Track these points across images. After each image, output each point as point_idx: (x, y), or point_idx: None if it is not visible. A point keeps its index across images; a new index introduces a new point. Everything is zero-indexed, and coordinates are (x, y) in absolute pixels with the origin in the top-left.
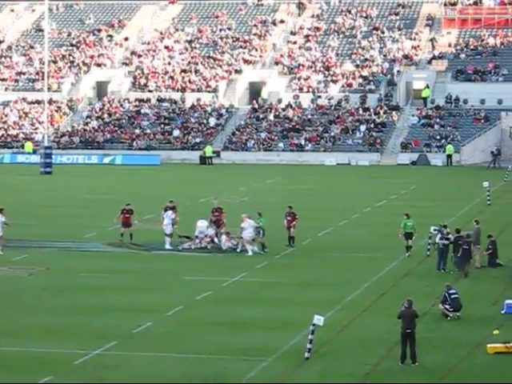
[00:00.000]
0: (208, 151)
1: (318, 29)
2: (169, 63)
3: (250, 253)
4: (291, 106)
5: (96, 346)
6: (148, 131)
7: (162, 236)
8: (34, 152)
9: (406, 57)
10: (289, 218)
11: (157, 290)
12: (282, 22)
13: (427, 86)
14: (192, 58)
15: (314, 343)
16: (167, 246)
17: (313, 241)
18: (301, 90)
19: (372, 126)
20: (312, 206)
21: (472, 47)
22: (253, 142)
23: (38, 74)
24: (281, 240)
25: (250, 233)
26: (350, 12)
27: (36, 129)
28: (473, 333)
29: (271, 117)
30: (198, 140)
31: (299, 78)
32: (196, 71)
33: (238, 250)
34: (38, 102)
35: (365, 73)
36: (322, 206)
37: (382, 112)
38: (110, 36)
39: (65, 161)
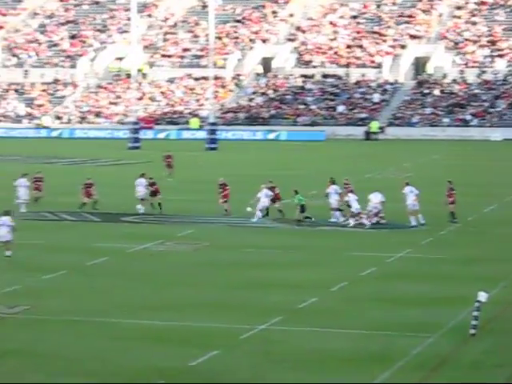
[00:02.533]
0: (374, 127)
1: (483, 3)
2: (334, 39)
3: (255, 219)
4: (456, 81)
5: (261, 321)
6: (313, 107)
7: (325, 211)
8: (200, 128)
9: None
10: (448, 193)
11: (321, 265)
12: None
13: None
14: (357, 33)
15: (480, 320)
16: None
17: (478, 217)
18: (466, 64)
19: None
20: (477, 181)
21: None
22: (418, 117)
23: (203, 50)
24: (443, 215)
25: (264, 202)
26: None
27: (201, 105)
28: None
29: (436, 92)
30: (362, 115)
31: (465, 53)
32: (361, 46)
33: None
34: (204, 79)
35: None
36: (487, 182)
37: None
38: (275, 12)
39: (230, 137)
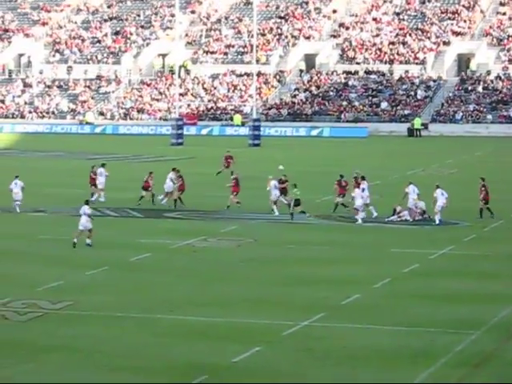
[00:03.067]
0: (417, 123)
1: None
2: (377, 35)
3: (276, 212)
4: (500, 78)
5: (304, 317)
6: (356, 103)
7: (367, 208)
8: (243, 124)
9: None
10: (481, 190)
11: (364, 262)
12: None
13: None
14: (400, 29)
15: None
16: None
17: None
18: (510, 61)
19: None
20: None
21: None
22: (461, 114)
23: (246, 46)
24: (486, 212)
25: (275, 195)
26: None
27: (244, 101)
28: None
29: (480, 89)
30: (405, 112)
31: (508, 50)
32: (404, 43)
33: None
34: (247, 75)
35: None
36: None
37: None
38: (318, 8)
39: (273, 133)
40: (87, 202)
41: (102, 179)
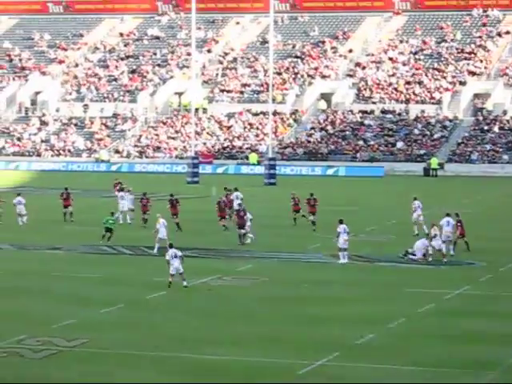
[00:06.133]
0: (433, 163)
1: None
2: (393, 74)
3: (343, 260)
4: None
5: (319, 356)
6: (371, 143)
7: (383, 247)
8: (259, 163)
9: None
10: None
11: (379, 301)
12: (507, 33)
13: None
14: (416, 69)
15: None
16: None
17: None
18: None
19: None
20: None
21: None
22: (477, 154)
23: (262, 85)
24: (502, 252)
25: (343, 239)
26: None
27: (260, 140)
28: None
29: (496, 129)
30: (421, 152)
31: None
32: (420, 83)
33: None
34: (263, 114)
35: None
36: None
37: None
38: (335, 48)
39: (288, 172)
40: (171, 246)
41: (125, 202)
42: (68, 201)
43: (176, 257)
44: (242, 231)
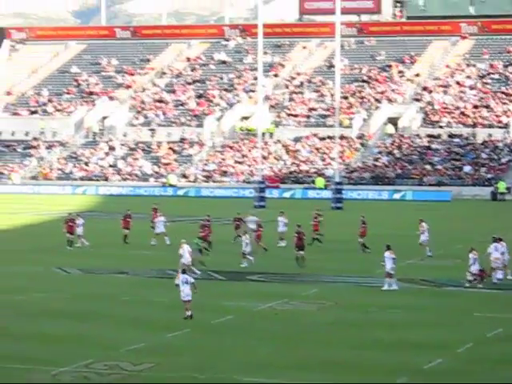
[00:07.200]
0: (501, 187)
1: None
2: (460, 98)
3: (395, 287)
4: None
5: (386, 381)
6: (439, 167)
7: (450, 271)
8: (325, 187)
9: None
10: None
11: (447, 325)
12: None
13: None
14: (484, 93)
15: None
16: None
17: None
18: None
19: None
20: None
21: None
22: None
23: (329, 109)
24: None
25: (390, 264)
26: None
27: (327, 164)
28: None
29: None
30: (489, 176)
31: None
32: (487, 106)
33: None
34: (330, 138)
35: None
36: None
37: None
38: (401, 72)
39: (355, 196)
40: (184, 272)
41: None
42: (127, 223)
43: (187, 283)
44: (301, 253)
